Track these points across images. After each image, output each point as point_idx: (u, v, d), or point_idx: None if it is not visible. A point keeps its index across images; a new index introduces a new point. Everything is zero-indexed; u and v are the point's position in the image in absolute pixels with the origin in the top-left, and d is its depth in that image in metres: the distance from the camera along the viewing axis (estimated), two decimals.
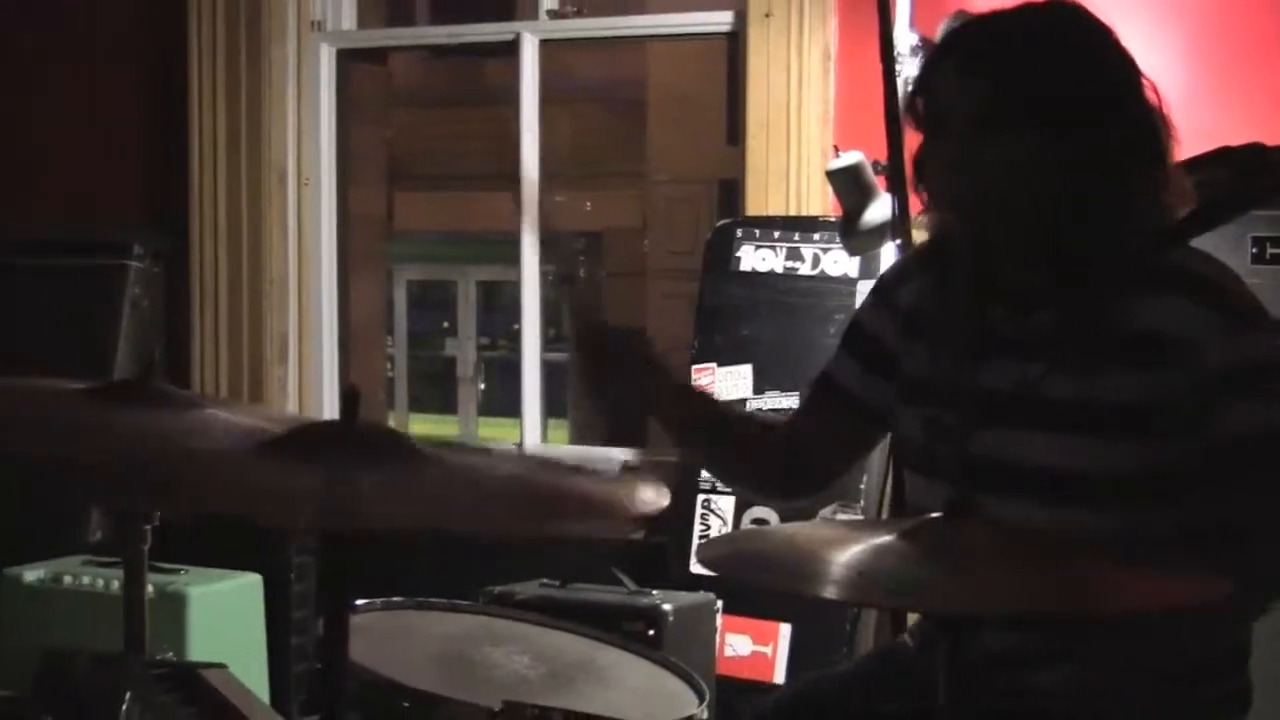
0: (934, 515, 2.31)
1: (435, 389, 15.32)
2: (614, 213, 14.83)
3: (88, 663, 3.21)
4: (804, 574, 2.26)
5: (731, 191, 13.73)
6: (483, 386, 15.37)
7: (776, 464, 3.19)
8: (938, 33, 4.79)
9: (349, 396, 2.41)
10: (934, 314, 2.99)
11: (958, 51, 2.90)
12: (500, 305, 14.86)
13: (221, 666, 3.24)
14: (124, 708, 2.94)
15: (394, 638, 3.25)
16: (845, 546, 2.31)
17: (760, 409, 5.20)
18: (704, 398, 3.80)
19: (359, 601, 3.35)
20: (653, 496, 2.44)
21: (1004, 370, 2.77)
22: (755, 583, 2.36)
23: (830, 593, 2.22)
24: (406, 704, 2.91)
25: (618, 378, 3.22)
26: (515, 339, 14.67)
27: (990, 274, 2.87)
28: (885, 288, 3.18)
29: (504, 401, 14.15)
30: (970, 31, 2.94)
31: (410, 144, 13.49)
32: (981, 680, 2.30)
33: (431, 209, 14.92)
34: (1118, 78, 2.81)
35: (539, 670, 3.29)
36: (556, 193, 11.54)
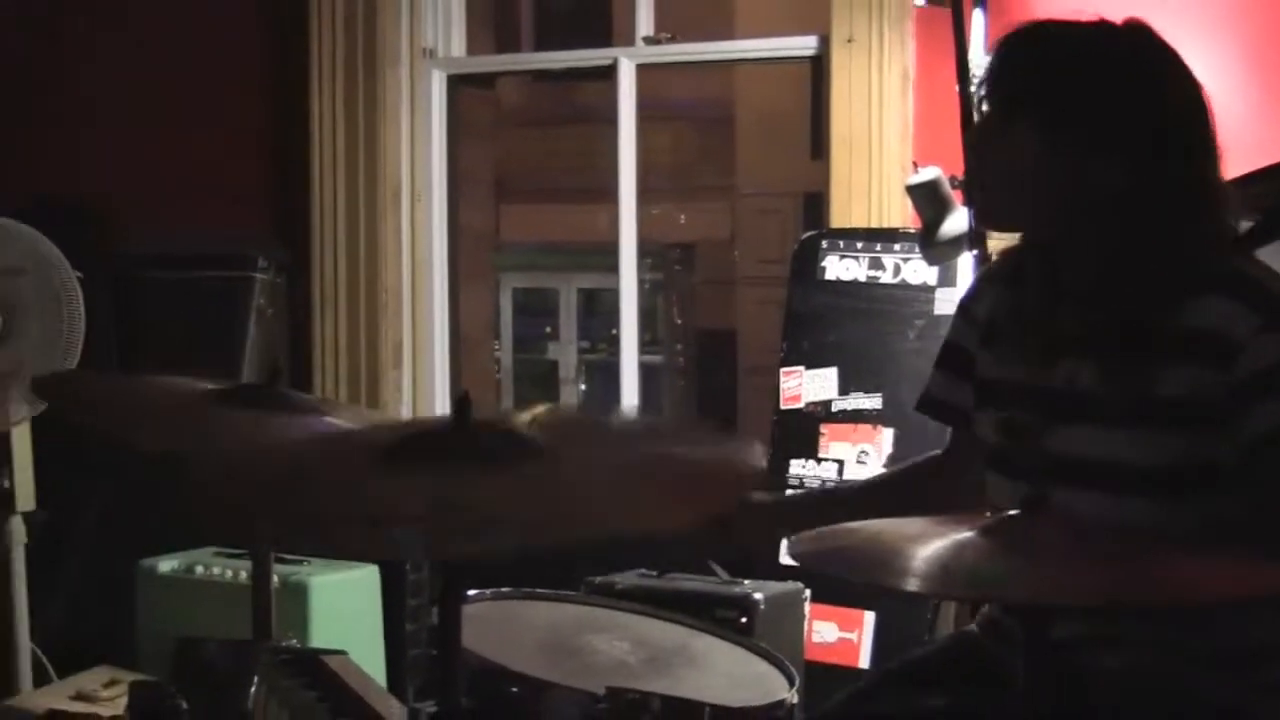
0: (1011, 512, 2.32)
1: (539, 389, 15.34)
2: (705, 224, 14.82)
3: (219, 649, 3.24)
4: (890, 568, 2.26)
5: (816, 203, 13.69)
6: (583, 387, 15.39)
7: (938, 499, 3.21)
8: None
9: (461, 402, 2.43)
10: (1007, 319, 3.01)
11: (1000, 49, 2.96)
12: (599, 311, 14.85)
13: (342, 653, 3.26)
14: (252, 690, 2.96)
15: (503, 626, 3.26)
16: (928, 541, 2.31)
17: (847, 409, 5.25)
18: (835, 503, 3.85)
19: (470, 592, 3.37)
20: (753, 456, 2.44)
21: (1069, 370, 2.78)
22: (844, 576, 2.36)
23: (915, 585, 2.22)
24: (514, 689, 2.92)
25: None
26: (613, 343, 14.65)
27: (1054, 278, 2.88)
28: (966, 305, 3.22)
29: (603, 401, 14.16)
30: (1017, 31, 3.01)
31: (514, 161, 13.51)
32: (1049, 665, 2.30)
33: (535, 221, 14.93)
34: (1173, 101, 2.82)
35: (638, 656, 3.30)
36: (652, 206, 11.57)
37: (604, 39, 13.53)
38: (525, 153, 14.34)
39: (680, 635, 3.49)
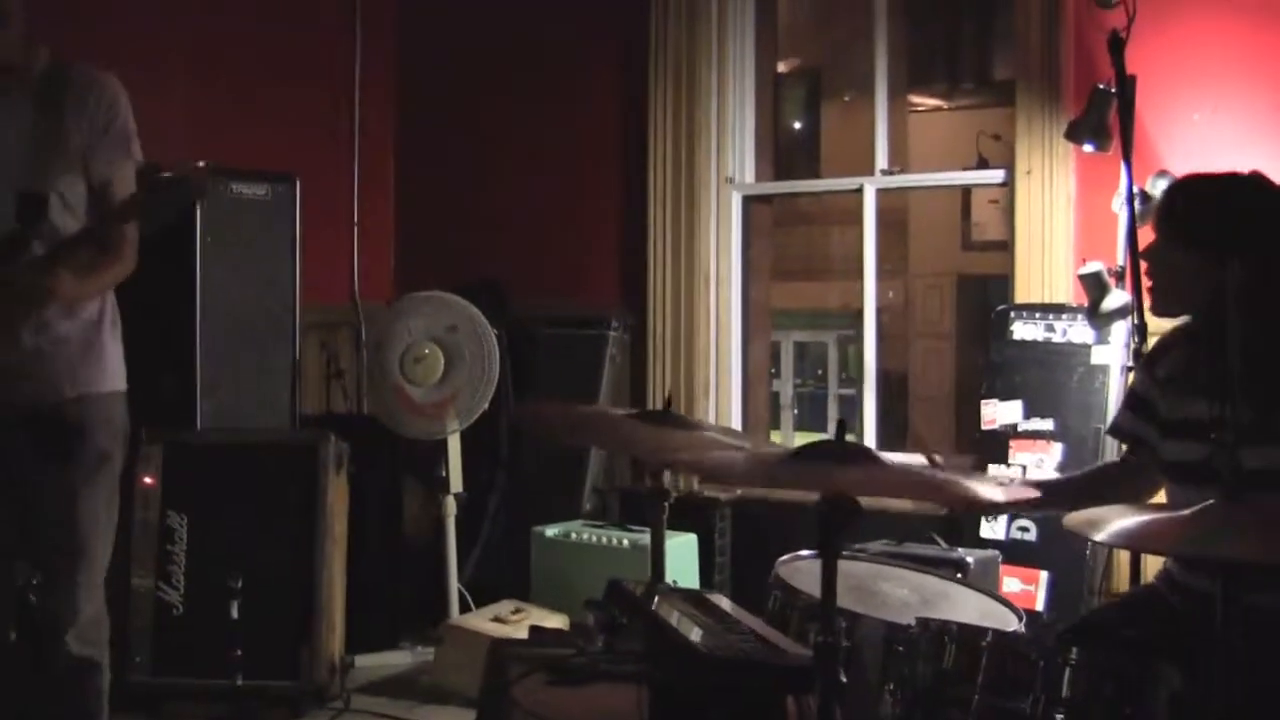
0: (1212, 501, 2.41)
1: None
2: (887, 296, 14.86)
3: (632, 585, 3.33)
4: (1141, 536, 2.38)
5: (966, 282, 13.60)
6: (795, 412, 15.38)
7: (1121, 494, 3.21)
8: (1147, 184, 4.85)
9: (841, 426, 2.56)
10: (1184, 373, 3.09)
11: (1173, 193, 3.10)
12: (807, 357, 14.85)
13: (715, 592, 3.36)
14: (654, 603, 3.06)
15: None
16: (1158, 519, 2.43)
17: (1029, 429, 5.27)
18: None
19: (803, 552, 3.49)
20: (989, 491, 2.55)
21: (1252, 405, 2.85)
22: (1106, 542, 2.45)
23: (1154, 548, 2.31)
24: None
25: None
26: (819, 380, 14.52)
27: (1218, 343, 2.95)
28: (1148, 361, 3.29)
29: (809, 421, 14.15)
30: (1177, 183, 3.11)
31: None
32: (1239, 609, 2.35)
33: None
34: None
35: (915, 598, 3.37)
36: (852, 283, 11.65)
37: (814, 167, 13.62)
38: (775, 246, 14.49)
39: (939, 584, 3.54)
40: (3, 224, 3.35)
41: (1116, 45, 4.42)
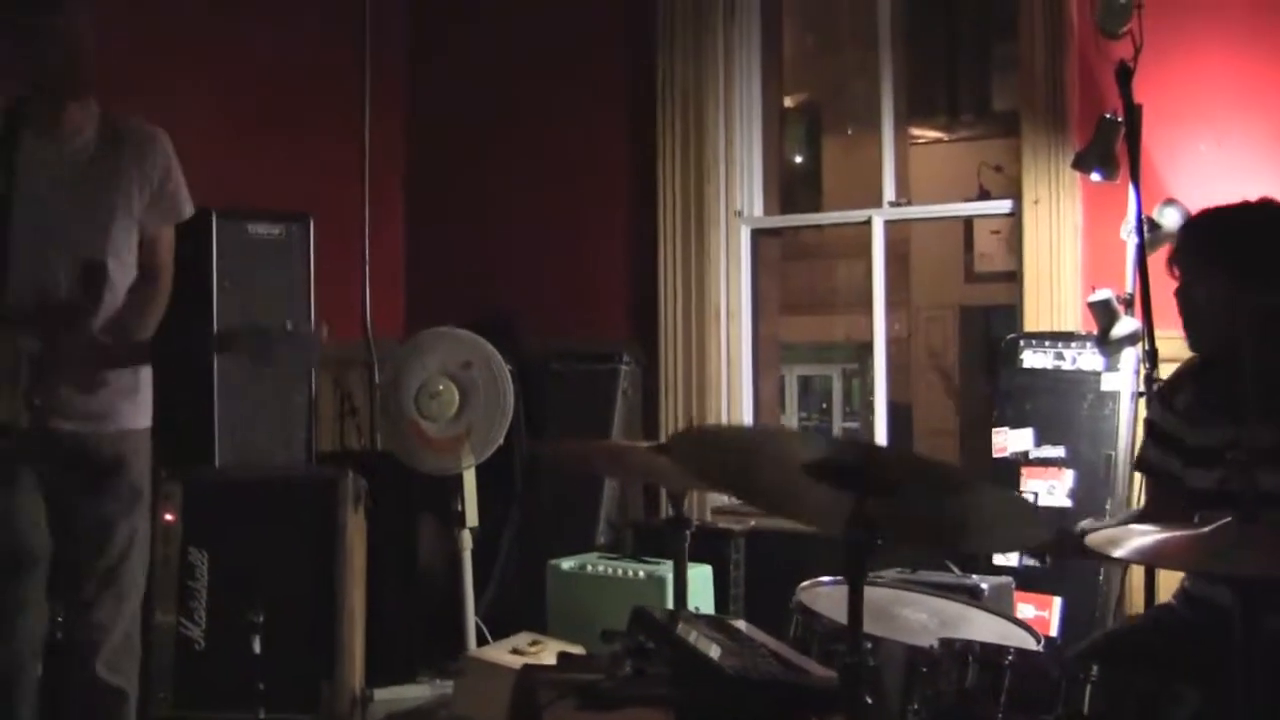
0: (1229, 519, 2.47)
1: None
2: (890, 328, 14.84)
3: (656, 611, 3.39)
4: (1161, 554, 2.43)
5: (968, 313, 13.58)
6: None
7: None
8: (1154, 212, 4.90)
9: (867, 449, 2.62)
10: (1202, 402, 3.15)
11: (1188, 229, 3.19)
12: (811, 391, 14.87)
13: (737, 618, 3.41)
14: (678, 628, 3.12)
15: (842, 601, 3.40)
16: (1180, 536, 2.48)
17: (1040, 456, 5.29)
18: None
19: (826, 578, 3.54)
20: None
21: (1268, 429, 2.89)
22: (1127, 560, 2.51)
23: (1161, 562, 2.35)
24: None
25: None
26: (823, 414, 14.49)
27: (1237, 372, 3.01)
28: (1164, 395, 3.36)
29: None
30: (1201, 216, 3.17)
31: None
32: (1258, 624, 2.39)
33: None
34: None
35: (934, 621, 3.43)
36: (857, 316, 11.64)
37: (816, 201, 13.67)
38: (780, 278, 14.47)
39: (957, 608, 3.60)
40: (53, 278, 3.45)
41: (1125, 75, 4.48)
